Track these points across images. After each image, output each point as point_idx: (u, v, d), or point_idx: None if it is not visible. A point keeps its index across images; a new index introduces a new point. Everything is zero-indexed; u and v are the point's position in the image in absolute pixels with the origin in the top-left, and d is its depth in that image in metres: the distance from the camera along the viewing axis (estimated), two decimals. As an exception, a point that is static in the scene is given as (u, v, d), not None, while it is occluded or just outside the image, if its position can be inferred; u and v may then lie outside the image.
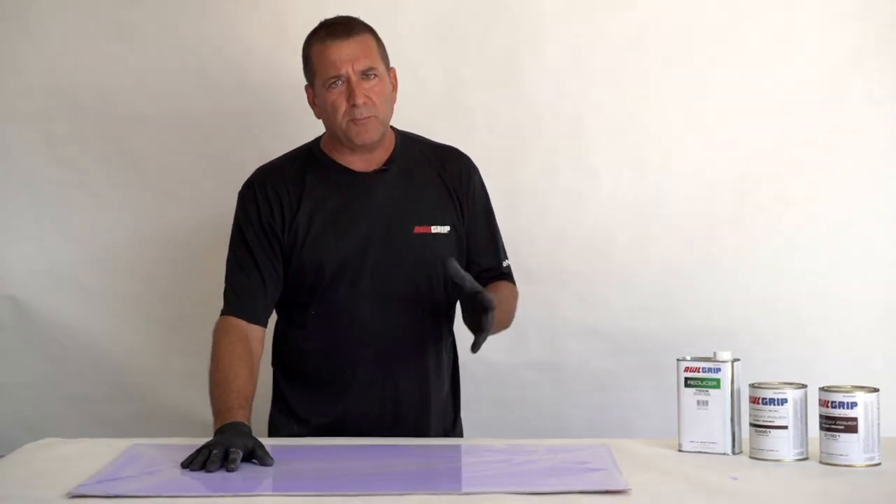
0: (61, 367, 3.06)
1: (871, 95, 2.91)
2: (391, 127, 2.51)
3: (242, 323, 2.41)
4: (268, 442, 2.16)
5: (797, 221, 2.95)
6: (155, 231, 3.06)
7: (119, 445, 2.20)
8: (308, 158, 2.50)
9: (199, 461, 2.02)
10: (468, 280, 2.26)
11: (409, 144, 2.52)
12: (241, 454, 2.04)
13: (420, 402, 2.48)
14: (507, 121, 2.95)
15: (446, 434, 2.52)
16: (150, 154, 3.06)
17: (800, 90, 2.94)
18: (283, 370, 2.53)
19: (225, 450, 2.04)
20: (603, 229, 2.97)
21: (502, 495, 1.84)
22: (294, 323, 2.50)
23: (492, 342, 2.33)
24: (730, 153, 2.96)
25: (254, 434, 2.16)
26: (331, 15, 2.96)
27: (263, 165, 2.54)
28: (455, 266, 2.27)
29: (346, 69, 2.38)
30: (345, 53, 2.39)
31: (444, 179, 2.49)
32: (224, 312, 2.42)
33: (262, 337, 2.43)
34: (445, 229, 2.46)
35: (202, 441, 2.12)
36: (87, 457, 2.10)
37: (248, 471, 2.05)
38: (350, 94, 2.38)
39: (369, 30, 2.45)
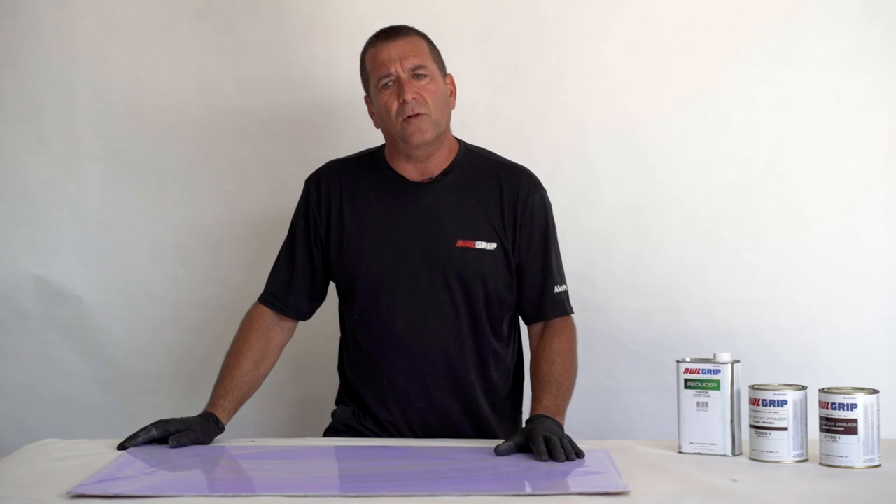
0: (56, 368, 3.04)
1: (873, 96, 2.91)
2: (459, 140, 2.49)
3: (269, 312, 2.47)
4: (279, 442, 2.23)
5: (798, 223, 2.94)
6: (149, 231, 3.04)
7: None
8: (371, 161, 2.48)
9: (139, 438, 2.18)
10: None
11: (472, 158, 2.48)
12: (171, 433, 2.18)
13: (462, 418, 2.43)
14: (507, 121, 2.94)
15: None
16: (145, 153, 3.04)
17: (802, 91, 2.93)
18: (340, 367, 2.54)
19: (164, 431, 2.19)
20: (603, 230, 2.96)
21: (502, 497, 1.83)
22: (344, 325, 2.51)
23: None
24: (731, 154, 2.95)
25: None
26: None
27: (332, 160, 2.54)
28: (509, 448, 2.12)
29: (395, 67, 2.37)
30: (393, 52, 2.38)
31: (501, 196, 2.43)
32: (258, 298, 2.49)
33: (291, 327, 2.50)
34: (491, 246, 2.41)
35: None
36: (87, 457, 2.10)
37: (247, 471, 2.07)
38: (400, 92, 2.36)
39: (421, 34, 2.44)
